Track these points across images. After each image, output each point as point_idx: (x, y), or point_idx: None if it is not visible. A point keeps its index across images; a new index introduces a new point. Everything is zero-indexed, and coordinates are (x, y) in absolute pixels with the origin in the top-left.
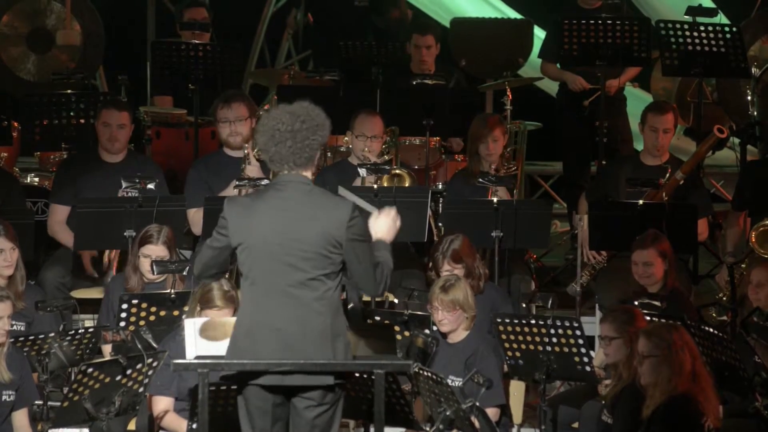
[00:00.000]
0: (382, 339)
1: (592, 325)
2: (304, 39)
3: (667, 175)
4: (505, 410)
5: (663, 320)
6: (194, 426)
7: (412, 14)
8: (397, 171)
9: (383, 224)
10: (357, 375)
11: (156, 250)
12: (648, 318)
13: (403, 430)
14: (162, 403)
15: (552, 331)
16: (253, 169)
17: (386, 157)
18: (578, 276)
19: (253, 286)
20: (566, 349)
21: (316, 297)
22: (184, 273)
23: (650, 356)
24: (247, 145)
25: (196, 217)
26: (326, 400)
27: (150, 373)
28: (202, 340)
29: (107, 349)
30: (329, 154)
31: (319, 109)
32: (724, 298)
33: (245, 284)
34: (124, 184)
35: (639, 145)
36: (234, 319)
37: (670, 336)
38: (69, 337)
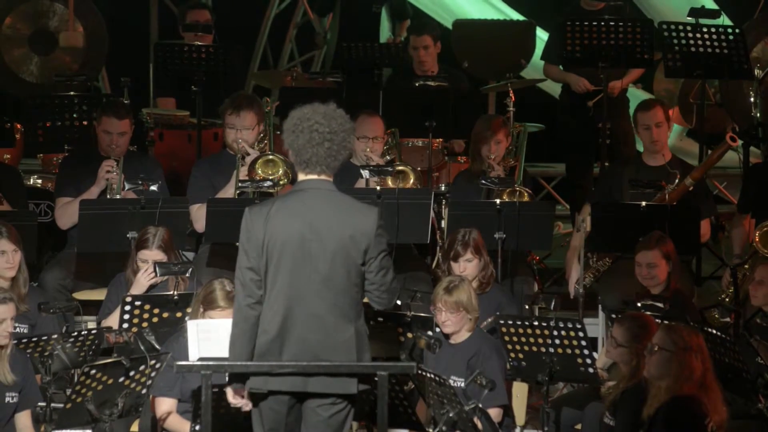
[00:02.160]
0: (385, 341)
1: (594, 326)
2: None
3: (676, 181)
4: (507, 411)
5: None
6: (197, 428)
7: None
8: (400, 167)
9: None
10: None
11: (151, 255)
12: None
13: (406, 431)
14: (165, 405)
15: (555, 332)
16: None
17: (388, 158)
18: (581, 277)
19: (275, 290)
20: (569, 351)
21: (338, 303)
22: (187, 275)
23: (664, 350)
24: (241, 140)
25: (198, 213)
26: (341, 399)
27: (153, 374)
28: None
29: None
30: None
31: (344, 112)
32: (727, 300)
33: (268, 287)
34: (126, 186)
35: (641, 147)
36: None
37: (690, 338)
38: (72, 339)
